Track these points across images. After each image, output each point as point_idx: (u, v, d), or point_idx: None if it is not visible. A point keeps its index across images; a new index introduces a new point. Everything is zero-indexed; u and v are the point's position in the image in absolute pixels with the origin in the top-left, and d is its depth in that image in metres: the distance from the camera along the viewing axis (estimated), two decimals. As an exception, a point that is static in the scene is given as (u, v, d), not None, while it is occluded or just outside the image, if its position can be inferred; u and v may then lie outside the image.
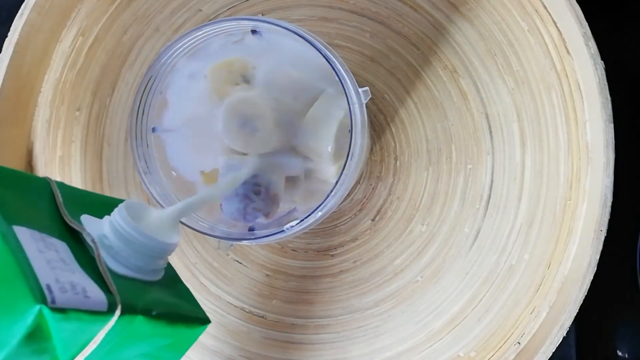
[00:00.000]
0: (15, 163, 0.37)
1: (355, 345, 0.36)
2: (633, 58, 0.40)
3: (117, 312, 0.21)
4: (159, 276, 0.25)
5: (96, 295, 0.21)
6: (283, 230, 0.28)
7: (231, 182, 0.29)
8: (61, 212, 0.24)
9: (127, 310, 0.21)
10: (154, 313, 0.22)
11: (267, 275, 0.37)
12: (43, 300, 0.19)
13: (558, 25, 0.34)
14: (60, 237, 0.23)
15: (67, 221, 0.24)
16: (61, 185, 0.26)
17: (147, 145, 0.30)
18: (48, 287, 0.19)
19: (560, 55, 0.34)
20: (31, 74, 0.37)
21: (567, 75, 0.34)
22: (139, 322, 0.22)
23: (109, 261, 0.23)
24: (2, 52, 0.35)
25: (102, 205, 0.25)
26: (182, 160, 0.31)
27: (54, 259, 0.21)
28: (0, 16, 0.40)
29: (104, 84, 0.37)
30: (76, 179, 0.37)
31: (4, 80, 0.35)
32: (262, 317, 0.37)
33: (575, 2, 0.33)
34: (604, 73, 0.32)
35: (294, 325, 0.36)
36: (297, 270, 0.37)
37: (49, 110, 0.37)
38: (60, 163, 0.37)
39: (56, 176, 0.37)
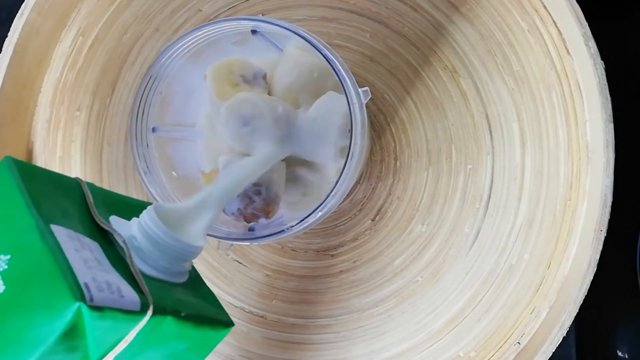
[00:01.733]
0: (15, 163, 0.37)
1: (355, 345, 0.36)
2: (633, 58, 0.40)
3: (149, 312, 0.21)
4: (184, 278, 0.25)
5: (130, 295, 0.21)
6: (283, 230, 0.28)
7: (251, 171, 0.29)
8: (92, 212, 0.25)
9: (158, 311, 0.21)
10: (182, 314, 0.23)
11: (267, 275, 0.37)
12: (82, 298, 0.19)
13: (558, 25, 0.34)
14: (92, 237, 0.23)
15: (98, 222, 0.24)
16: (91, 186, 0.26)
17: (147, 145, 0.30)
18: (86, 285, 0.20)
19: (560, 55, 0.34)
20: (31, 74, 0.37)
21: (567, 75, 0.34)
22: (168, 323, 0.22)
23: (138, 262, 0.23)
24: (2, 52, 0.35)
25: (129, 207, 0.26)
26: (183, 161, 0.31)
27: (90, 258, 0.22)
28: (0, 16, 0.40)
29: (104, 84, 0.37)
30: (76, 179, 0.37)
31: (4, 80, 0.35)
32: (262, 317, 0.37)
33: (575, 2, 0.33)
34: (604, 73, 0.32)
35: (294, 325, 0.36)
36: (297, 270, 0.37)
37: (49, 110, 0.37)
38: (60, 163, 0.37)
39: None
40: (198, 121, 0.31)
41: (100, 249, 0.23)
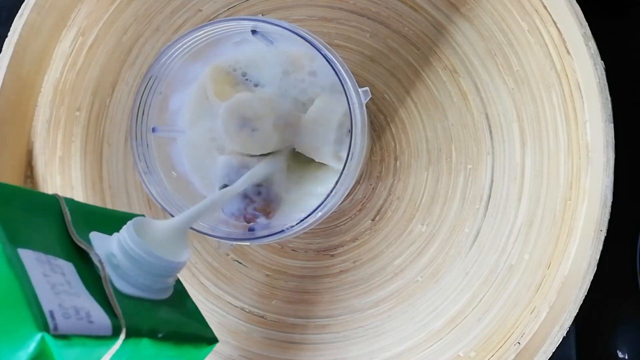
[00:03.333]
0: (15, 163, 0.37)
1: (355, 345, 0.36)
2: (633, 58, 0.40)
3: (122, 336, 0.21)
4: (167, 294, 0.25)
5: (100, 319, 0.21)
6: (283, 231, 0.28)
7: (235, 189, 0.28)
8: (69, 231, 0.24)
9: (132, 334, 0.21)
10: (159, 335, 0.22)
11: (267, 275, 0.37)
12: (45, 328, 0.19)
13: (558, 25, 0.34)
14: (68, 257, 0.23)
15: (75, 240, 0.24)
16: (70, 201, 0.26)
17: (147, 145, 0.30)
18: (51, 313, 0.19)
19: (560, 55, 0.34)
20: (31, 74, 0.37)
21: (567, 75, 0.34)
22: (145, 345, 0.22)
23: (116, 281, 0.23)
24: (2, 52, 0.35)
25: (113, 221, 0.25)
26: (183, 161, 0.31)
27: (59, 283, 0.21)
28: (0, 16, 0.40)
29: (104, 84, 0.37)
30: (76, 179, 0.37)
31: (4, 80, 0.35)
32: (262, 317, 0.37)
33: (575, 2, 0.33)
34: (604, 73, 0.32)
35: (294, 325, 0.36)
36: (297, 270, 0.37)
37: (49, 110, 0.37)
38: (60, 163, 0.37)
39: (56, 176, 0.37)
40: (180, 119, 0.31)
41: (74, 271, 0.22)
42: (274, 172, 0.30)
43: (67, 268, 0.22)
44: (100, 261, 0.23)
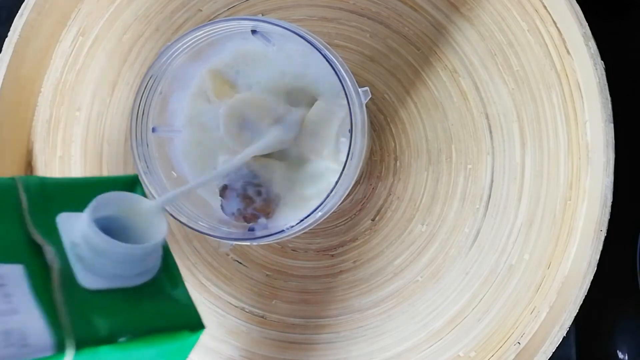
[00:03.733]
0: (15, 163, 0.37)
1: (355, 345, 0.36)
2: (633, 58, 0.40)
3: (70, 352, 0.18)
4: (148, 276, 0.22)
5: (39, 339, 0.18)
6: (283, 231, 0.28)
7: (218, 173, 0.28)
8: (26, 220, 0.21)
9: (84, 344, 0.19)
10: (121, 339, 0.20)
11: (267, 275, 0.37)
12: None
13: (558, 25, 0.34)
14: (19, 256, 0.20)
15: (31, 233, 0.21)
16: (38, 180, 0.22)
17: (147, 145, 0.30)
18: None
19: (560, 55, 0.34)
20: (31, 74, 0.37)
21: (567, 75, 0.34)
22: (105, 352, 0.19)
23: (81, 274, 0.20)
24: (2, 52, 0.35)
25: (96, 192, 0.22)
26: (184, 162, 0.31)
27: None
28: (0, 16, 0.40)
29: (104, 84, 0.37)
30: (76, 179, 0.37)
31: (4, 80, 0.35)
32: (262, 317, 0.37)
33: (575, 2, 0.33)
34: (604, 73, 0.32)
35: (294, 325, 0.36)
36: (297, 270, 0.37)
37: (49, 110, 0.37)
38: (60, 163, 0.37)
39: (56, 176, 0.37)
40: (177, 119, 0.31)
41: (21, 275, 0.19)
42: (273, 171, 0.30)
43: (11, 275, 0.19)
44: (52, 259, 0.20)
